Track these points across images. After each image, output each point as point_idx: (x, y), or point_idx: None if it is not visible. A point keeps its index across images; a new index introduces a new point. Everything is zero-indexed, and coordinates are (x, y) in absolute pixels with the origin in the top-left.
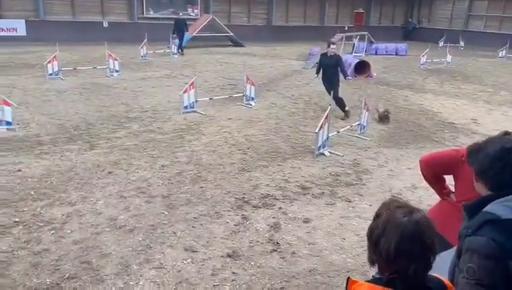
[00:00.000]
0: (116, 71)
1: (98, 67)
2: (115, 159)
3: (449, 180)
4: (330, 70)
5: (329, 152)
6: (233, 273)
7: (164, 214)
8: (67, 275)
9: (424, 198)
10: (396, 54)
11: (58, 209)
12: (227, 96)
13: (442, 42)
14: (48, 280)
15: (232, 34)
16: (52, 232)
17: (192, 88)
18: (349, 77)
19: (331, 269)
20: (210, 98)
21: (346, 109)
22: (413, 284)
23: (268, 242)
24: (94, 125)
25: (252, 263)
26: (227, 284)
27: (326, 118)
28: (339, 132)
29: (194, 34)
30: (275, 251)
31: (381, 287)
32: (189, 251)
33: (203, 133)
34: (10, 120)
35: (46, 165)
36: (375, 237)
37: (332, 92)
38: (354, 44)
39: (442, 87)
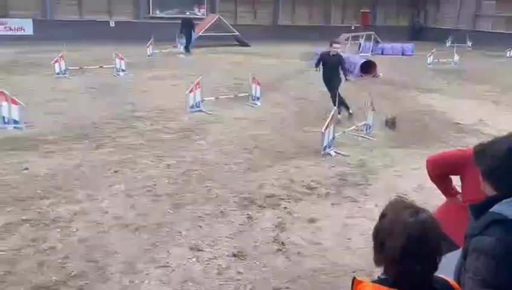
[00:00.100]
0: (123, 70)
1: (104, 66)
2: (121, 158)
3: (456, 180)
4: (332, 70)
5: (335, 152)
6: (239, 272)
7: (170, 213)
8: (74, 273)
9: (430, 198)
10: (402, 54)
11: (64, 207)
12: (233, 95)
13: (449, 42)
14: (54, 278)
15: (238, 33)
16: (58, 230)
17: (198, 88)
18: (349, 77)
19: (336, 269)
20: (216, 98)
21: (350, 111)
22: (419, 285)
23: (274, 242)
24: (100, 125)
25: (257, 263)
26: (233, 284)
27: (332, 117)
28: (344, 132)
29: (200, 34)
30: (280, 250)
31: (387, 288)
32: (195, 250)
33: (208, 132)
34: (17, 119)
35: (52, 164)
36: (381, 238)
37: (332, 92)
38: (360, 44)
39: (449, 87)
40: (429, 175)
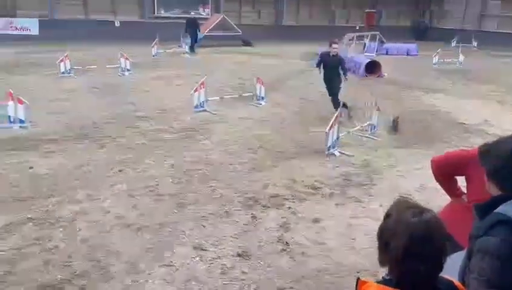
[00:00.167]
0: (128, 70)
1: (109, 66)
2: (124, 158)
3: (461, 181)
4: (332, 70)
5: (340, 152)
6: (243, 272)
7: (173, 213)
8: (78, 272)
9: (434, 199)
10: (407, 54)
11: (68, 207)
12: (237, 95)
13: (455, 42)
14: (59, 276)
15: (242, 33)
16: (61, 229)
17: (203, 87)
18: (348, 76)
19: (340, 269)
20: (220, 98)
21: (349, 112)
22: (423, 286)
23: (278, 242)
24: (104, 124)
25: (262, 263)
26: (237, 283)
27: (336, 118)
28: (349, 132)
29: (204, 34)
30: (285, 250)
31: (391, 289)
32: (199, 250)
33: (213, 132)
34: (23, 118)
35: (56, 163)
36: (385, 238)
37: (332, 93)
38: (365, 44)
39: (453, 88)
40: (434, 175)
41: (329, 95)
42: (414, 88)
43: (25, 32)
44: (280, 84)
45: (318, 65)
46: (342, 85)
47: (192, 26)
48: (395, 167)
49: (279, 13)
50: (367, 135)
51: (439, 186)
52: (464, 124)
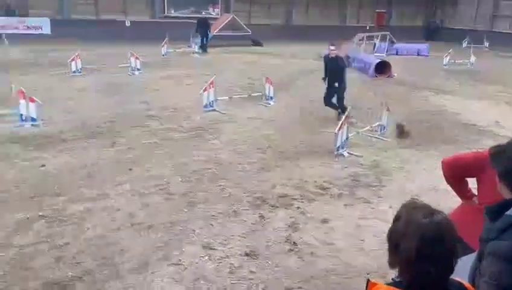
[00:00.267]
0: (138, 69)
1: (120, 65)
2: (134, 157)
3: (472, 183)
4: (332, 73)
5: (349, 153)
6: (251, 272)
7: (183, 212)
8: (88, 269)
9: (445, 200)
10: (418, 55)
11: (79, 204)
12: (246, 95)
13: (466, 43)
14: (69, 274)
15: (251, 33)
16: (73, 227)
17: (212, 87)
18: (343, 84)
19: (349, 270)
20: (229, 97)
21: (339, 112)
22: (434, 288)
23: (286, 242)
24: (115, 123)
25: (270, 262)
26: (245, 283)
27: (345, 118)
28: (358, 132)
29: (214, 33)
30: (293, 250)
31: None
32: (207, 249)
33: (222, 131)
34: (35, 116)
35: (68, 161)
36: (395, 240)
37: (336, 95)
38: (375, 44)
39: (464, 89)
40: (445, 177)
41: (325, 99)
42: (424, 89)
43: (37, 32)
44: (290, 84)
45: (325, 75)
46: (345, 87)
47: (203, 26)
48: (404, 168)
49: (289, 13)
50: (376, 136)
51: (449, 188)
52: (474, 125)
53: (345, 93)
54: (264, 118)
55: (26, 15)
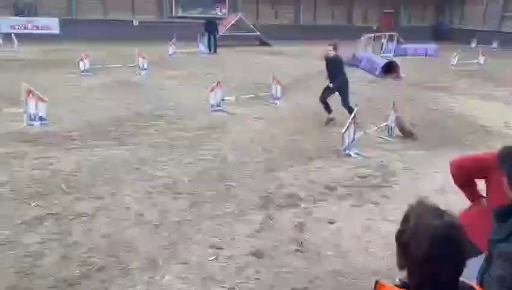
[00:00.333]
0: (145, 69)
1: (127, 65)
2: (142, 156)
3: (481, 184)
4: (331, 73)
5: (356, 153)
6: (257, 271)
7: (190, 211)
8: (96, 267)
9: (453, 202)
10: (426, 55)
11: (87, 203)
12: (253, 95)
13: (475, 43)
14: (77, 272)
15: (259, 33)
16: (81, 225)
17: (219, 87)
18: (333, 84)
19: (355, 272)
20: (236, 97)
21: (331, 116)
22: None
23: (293, 242)
24: (122, 122)
25: (276, 263)
26: (252, 283)
27: (353, 118)
28: (365, 132)
29: (221, 34)
30: (299, 251)
31: None
32: (214, 248)
33: (228, 131)
34: (44, 116)
35: (76, 160)
36: (404, 241)
37: (341, 97)
38: (382, 44)
39: (473, 89)
40: (453, 178)
41: (320, 100)
42: (432, 89)
43: (46, 31)
44: (297, 84)
45: (329, 77)
46: (348, 86)
47: (212, 26)
48: (412, 169)
49: (297, 13)
50: (384, 137)
51: (458, 190)
52: (483, 126)
53: (348, 93)
54: (271, 118)
55: (35, 15)
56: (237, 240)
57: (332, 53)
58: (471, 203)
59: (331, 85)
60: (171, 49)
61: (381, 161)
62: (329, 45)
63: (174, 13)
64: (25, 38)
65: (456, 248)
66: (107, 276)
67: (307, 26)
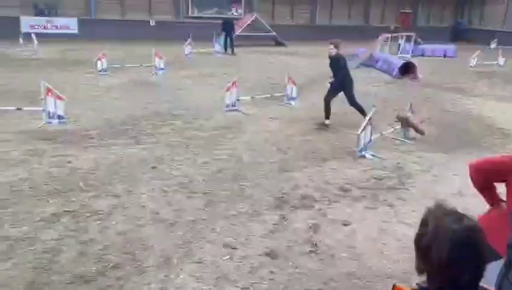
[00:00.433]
0: (161, 69)
1: (144, 65)
2: (158, 155)
3: (501, 187)
4: (335, 72)
5: (372, 155)
6: (271, 272)
7: (204, 210)
8: (112, 264)
9: (471, 206)
10: (444, 56)
11: (104, 200)
12: (268, 95)
13: (495, 44)
14: (93, 268)
15: (274, 33)
16: (98, 222)
17: (234, 87)
18: (331, 81)
19: (370, 274)
20: (251, 97)
21: (327, 122)
22: None
23: (307, 243)
24: (139, 121)
25: (290, 263)
26: (265, 283)
27: (369, 119)
28: (382, 134)
29: (236, 34)
30: (313, 252)
31: None
32: (228, 248)
33: (243, 131)
34: (62, 114)
35: (93, 158)
36: (424, 245)
37: (346, 97)
38: (399, 45)
39: (492, 91)
40: (472, 181)
41: (324, 99)
42: (450, 90)
43: (65, 31)
44: (312, 84)
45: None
46: (352, 85)
47: (229, 26)
48: (429, 172)
49: (313, 13)
50: (400, 138)
51: (476, 193)
52: (502, 129)
53: (353, 92)
54: (286, 118)
55: (55, 15)
56: (251, 240)
57: (333, 52)
58: (491, 207)
59: (329, 82)
60: (187, 49)
61: (398, 163)
62: (331, 43)
63: (190, 13)
64: (44, 37)
65: (476, 252)
66: (122, 273)
67: (322, 26)
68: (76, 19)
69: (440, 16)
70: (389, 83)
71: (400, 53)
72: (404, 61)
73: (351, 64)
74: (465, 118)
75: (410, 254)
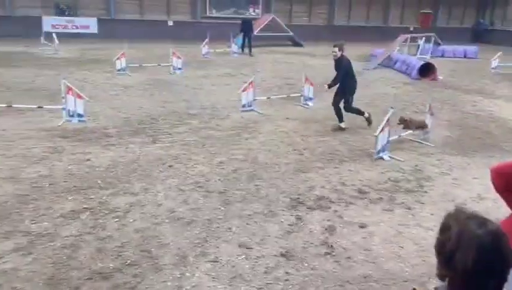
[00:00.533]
0: (179, 69)
1: (162, 64)
2: (175, 154)
3: None
4: (338, 75)
5: (389, 156)
6: (286, 273)
7: (220, 210)
8: (129, 261)
9: (492, 210)
10: (465, 57)
11: (122, 198)
12: (285, 96)
13: None
14: (111, 265)
15: (292, 33)
16: (116, 220)
17: (251, 87)
18: (329, 84)
19: (386, 277)
20: (268, 98)
21: (343, 125)
22: None
23: (323, 245)
24: (157, 120)
25: (306, 265)
26: (280, 283)
27: (387, 121)
28: (400, 136)
29: (254, 34)
30: (329, 254)
31: None
32: (244, 248)
33: (259, 131)
34: (82, 112)
35: (112, 156)
36: (448, 251)
37: (345, 100)
38: (418, 45)
39: None
40: (493, 185)
41: (333, 104)
42: (471, 92)
43: (85, 31)
44: None
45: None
46: (351, 91)
47: (247, 26)
48: (449, 175)
49: (331, 13)
50: (419, 140)
51: (497, 197)
52: None
53: (352, 97)
54: (303, 119)
55: (75, 15)
56: (267, 241)
57: (337, 54)
58: None
59: (327, 85)
60: (204, 49)
61: (416, 165)
62: (334, 46)
63: (207, 13)
64: (64, 37)
65: (500, 257)
66: (139, 271)
67: (340, 27)
68: (96, 18)
69: (461, 17)
70: (407, 84)
71: (419, 54)
72: (423, 62)
73: (369, 66)
74: (486, 120)
75: (428, 258)
